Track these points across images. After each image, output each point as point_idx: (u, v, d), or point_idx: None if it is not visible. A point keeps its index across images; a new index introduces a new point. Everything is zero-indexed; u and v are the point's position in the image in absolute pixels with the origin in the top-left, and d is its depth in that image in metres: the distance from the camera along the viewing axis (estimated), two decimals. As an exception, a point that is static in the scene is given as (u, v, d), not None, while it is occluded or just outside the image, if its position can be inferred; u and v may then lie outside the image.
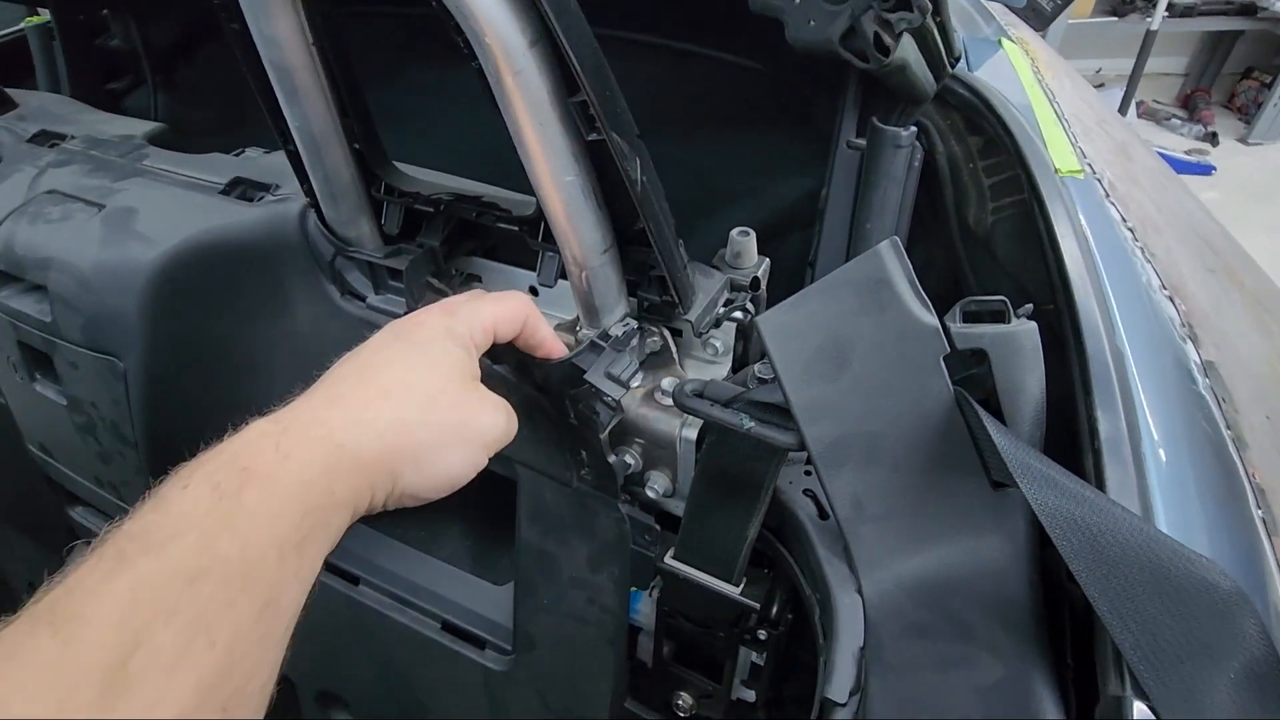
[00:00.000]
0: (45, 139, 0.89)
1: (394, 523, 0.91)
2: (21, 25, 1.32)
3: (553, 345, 0.52)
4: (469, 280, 0.75)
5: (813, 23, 0.49)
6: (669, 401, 0.60)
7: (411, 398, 0.42)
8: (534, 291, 0.71)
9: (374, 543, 0.88)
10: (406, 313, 0.66)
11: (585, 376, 0.52)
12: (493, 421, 0.46)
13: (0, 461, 1.11)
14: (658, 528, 0.63)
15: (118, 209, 0.74)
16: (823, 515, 0.57)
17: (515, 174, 1.04)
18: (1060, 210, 0.60)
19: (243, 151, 0.85)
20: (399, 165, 0.67)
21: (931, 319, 0.49)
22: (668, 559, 0.65)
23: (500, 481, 0.74)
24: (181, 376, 0.75)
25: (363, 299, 0.71)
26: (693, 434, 0.60)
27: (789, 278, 0.74)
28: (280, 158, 0.82)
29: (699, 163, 0.90)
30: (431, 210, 0.64)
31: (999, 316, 0.51)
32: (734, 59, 0.87)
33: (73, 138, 0.88)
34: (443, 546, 0.89)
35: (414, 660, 0.82)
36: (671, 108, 0.95)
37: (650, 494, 0.64)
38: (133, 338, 0.71)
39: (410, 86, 1.04)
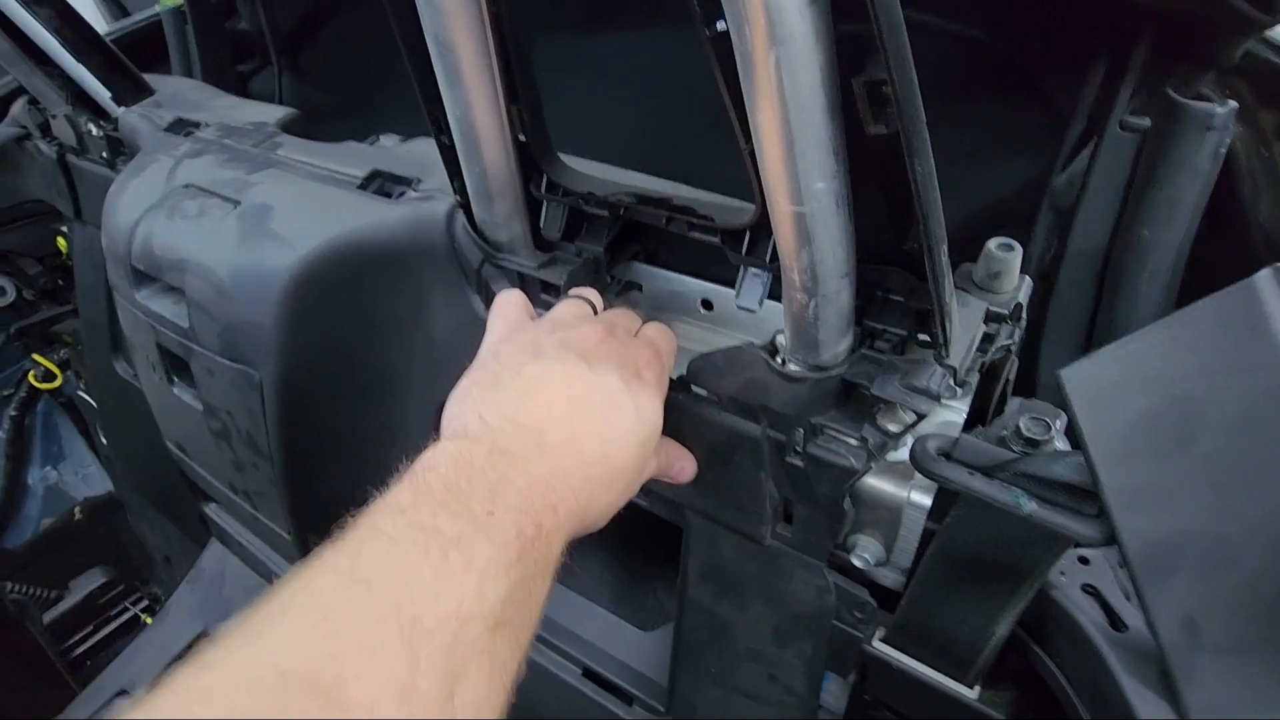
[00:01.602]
0: (181, 127, 0.85)
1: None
2: (157, 9, 1.32)
3: None
4: (628, 288, 0.64)
5: (1188, -41, 0.34)
6: (897, 455, 0.48)
7: (625, 480, 0.44)
8: (708, 305, 0.60)
9: (506, 567, 0.80)
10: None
11: (873, 390, 0.42)
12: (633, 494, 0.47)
13: (142, 446, 1.12)
14: (873, 603, 0.52)
15: (253, 206, 0.68)
16: (1115, 624, 0.43)
17: (665, 164, 0.91)
18: None
19: (377, 139, 0.78)
20: (561, 156, 0.57)
21: (1335, 383, 0.35)
22: (877, 642, 0.53)
23: (642, 513, 0.64)
24: (316, 390, 0.69)
25: (512, 311, 0.62)
26: (926, 499, 0.48)
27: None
28: (419, 146, 0.74)
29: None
30: (605, 214, 0.53)
31: None
32: (946, 25, 0.72)
33: (207, 125, 0.84)
34: (580, 579, 0.80)
35: (552, 705, 0.75)
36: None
37: (857, 562, 0.52)
38: (268, 349, 0.65)
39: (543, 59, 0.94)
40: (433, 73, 0.47)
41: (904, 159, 0.33)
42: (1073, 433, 0.41)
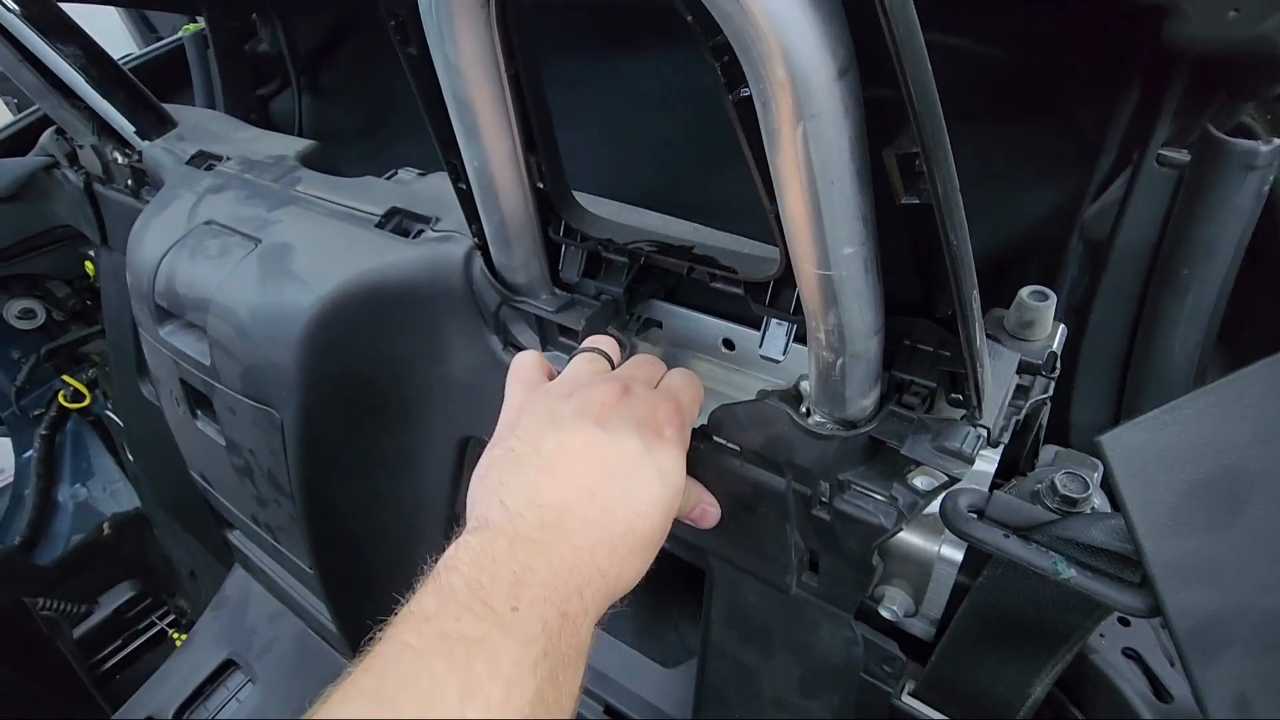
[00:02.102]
0: (202, 160, 0.86)
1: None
2: (180, 34, 1.34)
3: None
4: (648, 326, 0.63)
5: (1237, 13, 0.33)
6: (929, 509, 0.47)
7: (653, 546, 0.42)
8: (729, 345, 0.59)
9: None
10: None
11: (904, 451, 0.41)
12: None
13: (167, 467, 1.13)
14: (903, 658, 0.50)
15: (273, 245, 0.68)
16: (1160, 694, 0.42)
17: (682, 187, 0.89)
18: None
19: (395, 173, 0.77)
20: (577, 196, 0.56)
21: (1398, 455, 0.33)
22: (906, 696, 0.52)
23: (663, 552, 0.63)
24: (336, 428, 0.69)
25: (530, 352, 0.61)
26: (957, 554, 0.47)
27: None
28: (436, 181, 0.74)
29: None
30: (625, 260, 0.53)
31: None
32: (966, 44, 0.70)
33: (228, 159, 0.84)
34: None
35: (573, 742, 0.74)
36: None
37: (886, 614, 0.51)
38: (289, 391, 0.65)
39: (560, 81, 0.94)
40: (450, 125, 0.46)
41: (935, 225, 0.32)
42: (1110, 487, 0.40)
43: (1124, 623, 0.45)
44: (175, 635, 1.59)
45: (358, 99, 1.34)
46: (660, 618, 0.78)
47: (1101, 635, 0.45)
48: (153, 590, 1.65)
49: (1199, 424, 0.35)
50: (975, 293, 0.36)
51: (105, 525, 1.57)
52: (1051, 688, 0.46)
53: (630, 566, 0.40)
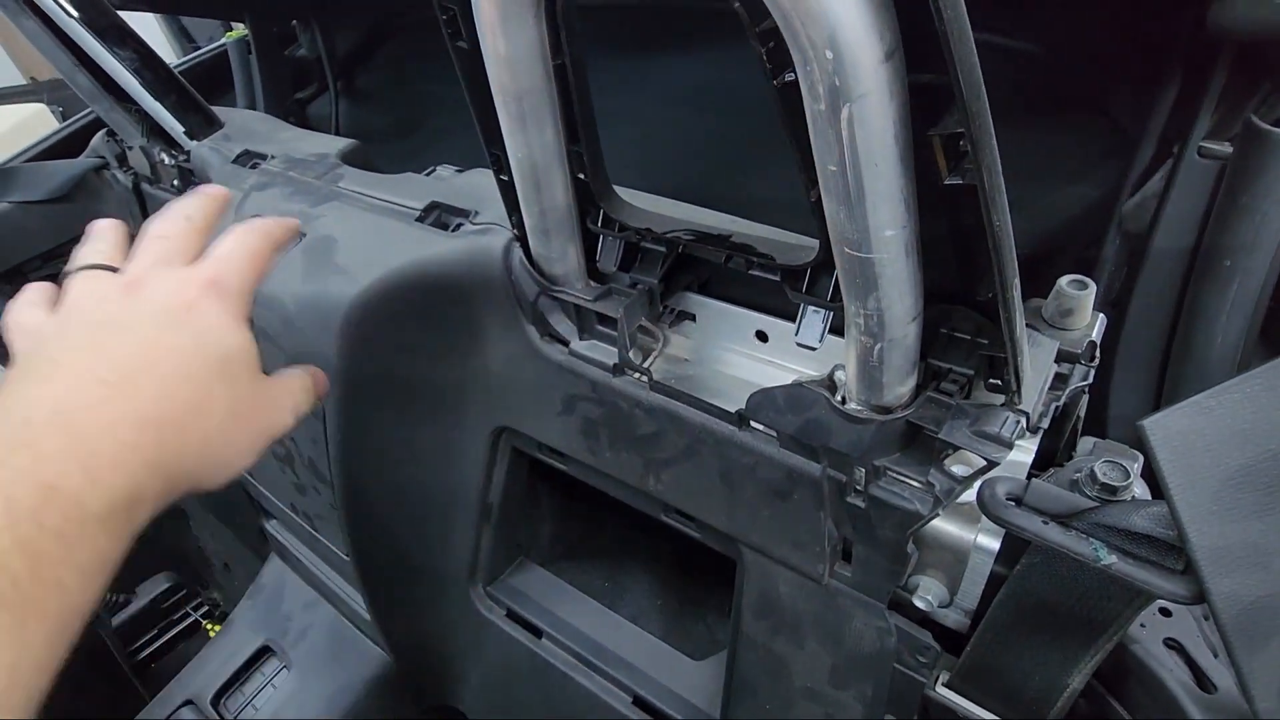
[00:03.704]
0: (248, 159, 0.89)
1: (575, 568, 0.85)
2: (223, 40, 1.38)
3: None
4: (681, 319, 0.64)
5: (1286, -6, 0.33)
6: (965, 498, 0.47)
7: (221, 409, 0.39)
8: (762, 337, 0.60)
9: (555, 591, 0.81)
10: (619, 363, 0.57)
11: (942, 435, 0.41)
12: (281, 420, 0.44)
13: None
14: (937, 648, 0.50)
15: (317, 238, 0.70)
16: (1203, 684, 0.41)
17: (716, 184, 0.90)
18: None
19: (434, 170, 0.79)
20: (618, 190, 0.57)
21: None
22: (940, 687, 0.52)
23: (689, 539, 0.64)
24: (375, 417, 0.71)
25: (566, 344, 0.62)
26: (994, 543, 0.47)
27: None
28: (474, 177, 0.76)
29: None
30: (663, 250, 0.54)
31: None
32: (1001, 41, 0.70)
33: (272, 158, 0.87)
34: (627, 603, 0.81)
35: (603, 732, 0.75)
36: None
37: (920, 604, 0.51)
38: (332, 378, 0.66)
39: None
40: (496, 117, 0.48)
41: (978, 206, 0.32)
42: (1150, 475, 0.40)
43: (1165, 613, 0.45)
44: (209, 626, 1.63)
45: (392, 102, 1.38)
46: (688, 610, 0.78)
47: (1142, 625, 0.44)
48: (188, 581, 1.69)
49: (1244, 409, 0.35)
50: (1016, 278, 0.37)
51: (144, 517, 1.62)
52: (1090, 679, 0.45)
53: (192, 428, 0.36)
